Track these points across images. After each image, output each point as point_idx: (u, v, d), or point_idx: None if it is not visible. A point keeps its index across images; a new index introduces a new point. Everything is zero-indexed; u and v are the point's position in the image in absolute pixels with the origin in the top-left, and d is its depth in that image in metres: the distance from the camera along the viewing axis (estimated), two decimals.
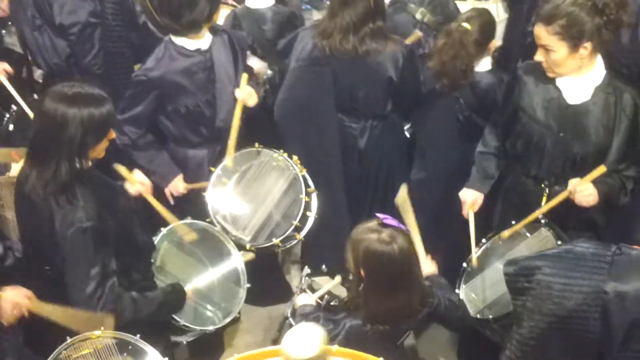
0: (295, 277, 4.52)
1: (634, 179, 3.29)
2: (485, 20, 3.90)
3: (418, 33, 4.13)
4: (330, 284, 3.25)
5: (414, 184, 4.10)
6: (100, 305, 2.78)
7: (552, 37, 3.09)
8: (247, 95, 3.79)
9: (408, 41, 3.97)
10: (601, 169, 3.13)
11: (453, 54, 3.75)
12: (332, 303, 3.14)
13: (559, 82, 3.25)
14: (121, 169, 3.28)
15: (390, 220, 2.72)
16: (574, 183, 3.17)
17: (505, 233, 3.35)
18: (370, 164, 4.08)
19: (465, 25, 3.78)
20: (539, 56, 3.18)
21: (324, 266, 3.46)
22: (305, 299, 3.12)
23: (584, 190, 3.16)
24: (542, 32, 3.12)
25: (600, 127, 3.21)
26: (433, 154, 4.05)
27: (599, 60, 3.20)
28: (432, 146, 4.06)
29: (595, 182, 3.17)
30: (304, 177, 3.73)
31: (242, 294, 3.51)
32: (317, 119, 4.01)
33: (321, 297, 3.19)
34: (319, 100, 3.99)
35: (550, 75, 3.23)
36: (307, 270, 3.45)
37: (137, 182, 3.32)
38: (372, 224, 2.72)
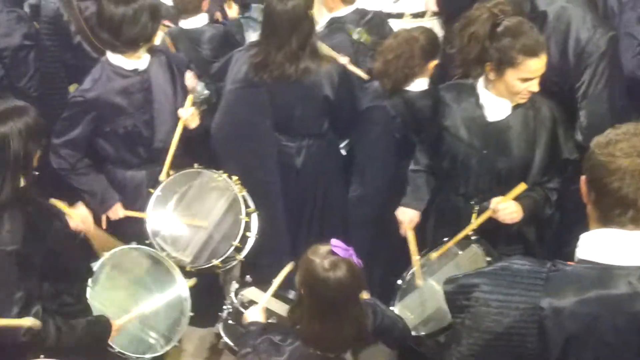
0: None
1: (557, 191, 3.40)
2: (432, 35, 4.00)
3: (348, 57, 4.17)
4: (281, 276, 3.23)
5: (352, 200, 4.17)
6: (22, 331, 2.74)
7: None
8: (190, 116, 3.78)
9: (343, 61, 4.02)
10: (521, 187, 3.22)
11: (398, 54, 3.82)
12: (269, 320, 3.13)
13: (481, 99, 3.35)
14: (59, 204, 3.23)
15: (339, 249, 2.72)
16: (496, 202, 3.27)
17: (436, 252, 3.42)
18: (308, 183, 4.11)
19: (415, 33, 3.87)
20: (537, 86, 3.25)
21: (247, 276, 3.47)
22: (254, 315, 3.10)
23: (506, 209, 3.25)
24: (543, 63, 3.21)
25: (521, 141, 3.32)
26: (371, 171, 4.11)
27: None
28: (371, 163, 4.11)
29: (519, 197, 3.26)
30: (243, 197, 3.74)
31: (185, 322, 3.50)
32: (255, 139, 4.03)
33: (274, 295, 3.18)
34: (255, 121, 4.00)
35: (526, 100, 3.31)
36: (235, 285, 3.45)
37: (76, 219, 3.28)
38: (325, 247, 2.73)
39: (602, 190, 2.00)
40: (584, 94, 3.40)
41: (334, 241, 2.73)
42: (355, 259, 2.72)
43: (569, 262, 2.06)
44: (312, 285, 2.71)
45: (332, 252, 2.69)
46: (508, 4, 3.34)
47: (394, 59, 3.82)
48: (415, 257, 3.51)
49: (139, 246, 3.53)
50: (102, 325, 3.18)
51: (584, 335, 1.97)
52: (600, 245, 2.01)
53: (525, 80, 3.21)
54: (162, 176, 3.75)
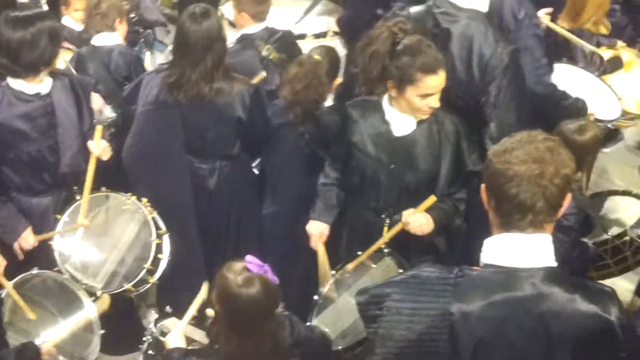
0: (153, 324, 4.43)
1: (464, 201, 3.50)
2: (334, 55, 4.08)
3: (263, 73, 4.21)
4: (197, 300, 3.21)
5: (266, 218, 4.18)
6: None
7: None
8: (102, 150, 3.70)
9: (254, 81, 4.04)
10: (431, 199, 3.31)
11: (306, 83, 3.87)
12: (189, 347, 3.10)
13: (387, 116, 3.42)
14: None
15: (254, 265, 2.71)
16: (406, 215, 3.34)
17: (350, 266, 3.47)
18: (222, 204, 4.09)
19: (317, 57, 3.92)
20: (437, 102, 3.33)
21: (168, 307, 3.43)
22: (175, 341, 3.05)
23: (416, 221, 3.33)
24: (442, 80, 3.29)
25: (427, 155, 3.41)
26: (283, 188, 4.13)
27: None
28: (282, 180, 4.13)
29: (429, 209, 3.34)
30: (154, 219, 3.69)
31: (97, 341, 3.43)
32: (166, 162, 3.99)
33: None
34: (167, 143, 3.97)
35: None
36: (154, 315, 3.41)
37: None
38: (239, 264, 2.72)
39: (501, 197, 2.08)
40: (492, 105, 3.54)
41: (248, 258, 2.73)
42: (270, 275, 2.72)
43: (474, 267, 2.13)
44: (227, 302, 2.70)
45: (247, 269, 2.69)
46: (408, 22, 3.45)
47: (303, 89, 3.89)
48: (324, 269, 3.54)
49: (42, 271, 3.45)
50: (30, 352, 3.11)
51: (492, 338, 2.04)
52: (503, 249, 2.09)
53: (425, 96, 3.30)
54: (80, 219, 3.65)
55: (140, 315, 4.47)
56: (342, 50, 5.04)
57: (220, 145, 4.00)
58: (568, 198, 2.11)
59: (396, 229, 3.37)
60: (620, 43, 4.92)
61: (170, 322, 3.32)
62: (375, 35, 3.39)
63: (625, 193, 4.14)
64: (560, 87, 4.07)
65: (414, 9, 3.72)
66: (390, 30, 3.37)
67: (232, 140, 4.00)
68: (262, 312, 2.70)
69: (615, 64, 4.72)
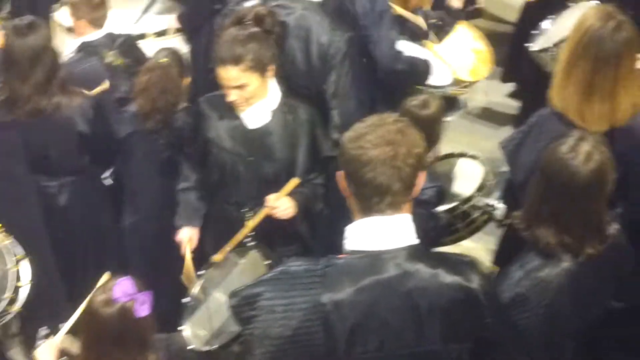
0: (18, 354, 4.24)
1: (323, 186, 3.56)
2: (179, 57, 4.01)
3: (106, 84, 4.09)
4: (73, 318, 3.09)
5: (127, 229, 4.08)
6: None
7: (245, 73, 3.25)
8: None
9: (94, 92, 3.92)
10: (294, 182, 3.35)
11: (161, 88, 3.80)
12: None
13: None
14: None
15: (122, 292, 2.58)
16: (271, 199, 3.36)
17: (216, 256, 3.45)
18: (76, 221, 3.98)
19: (164, 59, 3.84)
20: (233, 96, 3.29)
21: (44, 329, 3.29)
22: (44, 354, 2.92)
23: (280, 205, 3.35)
24: (233, 73, 3.24)
25: (283, 145, 3.44)
26: (142, 197, 4.05)
27: (273, 83, 3.41)
28: (140, 189, 4.05)
29: (291, 194, 3.37)
30: (7, 246, 3.51)
31: None
32: (11, 185, 3.81)
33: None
34: (10, 165, 3.79)
35: (245, 107, 3.37)
36: (44, 331, 3.27)
37: None
38: (110, 283, 2.62)
39: (359, 182, 2.12)
40: (333, 94, 3.59)
41: (123, 280, 2.61)
42: (138, 306, 2.59)
43: (340, 255, 2.17)
44: (85, 318, 2.63)
45: (115, 298, 2.58)
46: (269, 11, 3.44)
47: (159, 95, 3.81)
48: (189, 271, 3.49)
49: None
50: None
51: (365, 322, 2.09)
52: (366, 234, 2.13)
53: (223, 87, 3.30)
54: None
55: (5, 348, 4.27)
56: (184, 48, 4.97)
57: (66, 161, 3.88)
58: (422, 176, 2.18)
59: (260, 215, 3.39)
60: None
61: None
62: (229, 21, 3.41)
63: (472, 157, 4.32)
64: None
65: (249, 4, 3.71)
66: (237, 17, 3.36)
67: (78, 154, 3.90)
68: (118, 339, 2.57)
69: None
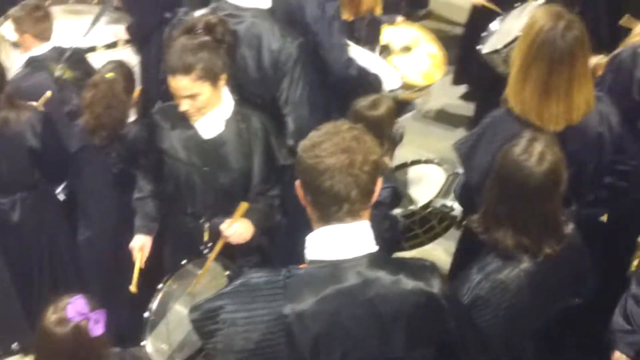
0: None
1: (279, 197, 3.53)
2: (127, 70, 3.95)
3: (48, 94, 4.02)
4: None
5: (82, 244, 4.02)
6: None
7: (196, 83, 3.20)
8: None
9: (39, 106, 3.86)
10: (244, 206, 3.29)
11: (106, 104, 3.75)
12: None
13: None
14: None
15: (75, 312, 2.54)
16: (224, 227, 3.30)
17: (190, 289, 3.39)
18: (30, 237, 3.91)
19: (110, 75, 3.79)
20: (185, 106, 3.25)
21: (15, 344, 3.23)
22: None
23: (235, 232, 3.31)
24: (184, 83, 3.19)
25: (238, 154, 3.40)
26: (96, 211, 3.99)
27: (226, 92, 3.38)
28: (94, 203, 3.99)
29: (246, 215, 3.33)
30: None
31: None
32: None
33: None
34: None
35: (198, 117, 3.33)
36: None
37: None
38: (63, 301, 2.57)
39: (316, 191, 2.11)
40: (286, 100, 3.58)
41: (76, 299, 2.57)
42: (92, 325, 2.54)
43: (301, 265, 2.15)
44: (42, 341, 2.56)
45: (68, 318, 2.54)
46: (219, 19, 3.42)
47: (104, 111, 3.75)
48: (136, 277, 3.46)
49: None
50: None
51: (329, 332, 2.07)
52: (326, 243, 2.12)
53: (175, 97, 3.27)
54: None
55: None
56: (134, 59, 4.92)
57: (17, 177, 3.82)
58: (379, 183, 2.18)
59: (219, 245, 3.34)
60: (399, 18, 5.16)
61: None
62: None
63: (428, 161, 4.36)
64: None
65: (198, 13, 3.68)
66: (188, 26, 3.33)
67: (29, 170, 3.84)
68: (72, 358, 2.54)
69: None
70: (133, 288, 3.46)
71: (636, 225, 3.37)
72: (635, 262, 3.33)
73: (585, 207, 3.31)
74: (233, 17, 3.56)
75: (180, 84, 3.21)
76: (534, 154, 2.58)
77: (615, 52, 3.50)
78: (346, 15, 4.69)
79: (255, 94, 3.55)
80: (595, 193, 3.31)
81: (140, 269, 3.53)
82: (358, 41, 4.45)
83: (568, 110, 3.01)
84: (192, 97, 3.24)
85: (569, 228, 2.73)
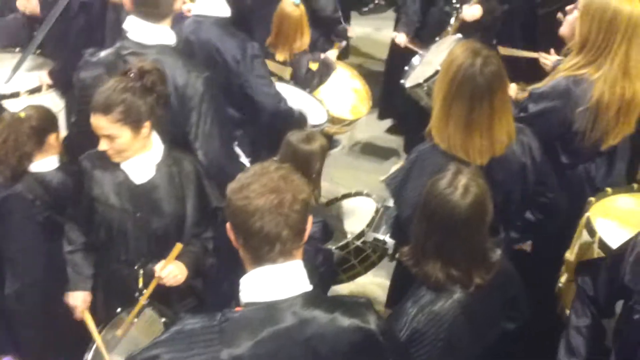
0: None
1: (212, 239, 3.52)
2: (43, 112, 3.85)
3: None
4: None
5: (9, 298, 3.87)
6: None
7: (114, 125, 3.18)
8: None
9: None
10: (178, 248, 3.26)
11: (4, 137, 3.64)
12: None
13: (123, 165, 3.34)
14: None
15: None
16: (158, 269, 3.28)
17: (119, 332, 3.34)
18: None
19: (22, 114, 3.72)
20: (104, 145, 3.23)
21: None
22: None
23: (169, 273, 3.28)
24: (102, 122, 3.18)
25: (171, 198, 3.38)
26: (23, 262, 3.83)
27: (155, 136, 3.37)
28: (20, 254, 3.83)
29: (179, 256, 3.30)
30: None
31: None
32: None
33: None
34: None
35: (117, 160, 3.31)
36: None
37: None
38: None
39: (248, 233, 2.11)
40: (196, 135, 3.58)
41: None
42: None
43: (236, 308, 2.14)
44: None
45: None
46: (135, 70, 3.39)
47: (10, 150, 3.66)
48: (95, 335, 3.38)
49: None
50: None
51: None
52: (260, 284, 2.12)
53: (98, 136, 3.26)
54: None
55: None
56: (59, 103, 4.85)
57: None
58: (310, 221, 2.19)
59: (152, 286, 3.30)
60: (322, 55, 5.25)
61: None
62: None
63: (357, 194, 4.41)
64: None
65: (104, 53, 3.67)
66: (124, 69, 3.32)
67: None
68: None
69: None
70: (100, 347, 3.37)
71: (561, 245, 3.47)
72: (562, 278, 3.43)
73: (512, 234, 3.39)
74: (137, 55, 3.55)
75: (98, 122, 3.19)
76: (459, 187, 2.64)
77: (551, 81, 3.56)
78: (283, 56, 4.80)
79: (165, 131, 3.53)
80: (521, 221, 3.40)
81: (82, 321, 3.46)
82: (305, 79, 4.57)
83: (491, 143, 3.10)
84: (110, 138, 3.21)
85: (497, 255, 2.78)
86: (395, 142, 6.24)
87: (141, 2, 3.57)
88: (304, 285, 2.14)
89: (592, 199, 3.43)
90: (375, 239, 3.93)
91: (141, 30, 3.60)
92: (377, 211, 4.10)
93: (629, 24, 3.34)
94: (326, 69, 5.08)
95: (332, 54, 5.31)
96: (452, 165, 2.79)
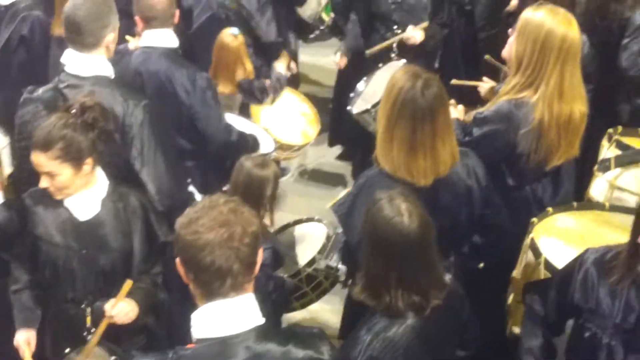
0: None
1: (162, 274, 3.47)
2: None
3: None
4: None
5: None
6: None
7: (54, 162, 3.12)
8: None
9: None
10: (128, 284, 3.18)
11: None
12: None
13: (66, 202, 3.28)
14: None
15: None
16: (108, 307, 3.19)
17: None
18: None
19: None
20: (44, 183, 3.17)
21: None
22: None
23: (120, 311, 3.20)
24: (41, 159, 3.12)
25: (117, 234, 3.32)
26: None
27: (100, 172, 3.31)
28: None
29: (129, 294, 3.19)
30: None
31: None
32: None
33: None
34: None
35: (59, 197, 3.25)
36: None
37: None
38: None
39: (198, 268, 2.09)
40: (142, 163, 3.57)
41: None
42: None
43: (189, 345, 2.11)
44: None
45: None
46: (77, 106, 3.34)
47: None
48: None
49: None
50: None
51: None
52: (212, 320, 2.10)
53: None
54: None
55: None
56: (3, 140, 4.77)
57: None
58: (261, 254, 2.18)
59: (103, 325, 3.23)
60: (267, 82, 5.26)
61: None
62: None
63: (309, 220, 4.41)
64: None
65: (43, 89, 3.64)
66: (66, 105, 3.26)
67: None
68: None
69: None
70: None
71: (510, 266, 3.52)
72: (510, 297, 3.47)
73: (462, 257, 3.42)
74: (74, 88, 3.52)
75: (38, 159, 3.13)
76: (403, 212, 2.65)
77: (493, 105, 3.62)
78: (228, 89, 4.81)
79: (111, 165, 3.48)
80: (469, 244, 3.43)
81: None
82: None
83: (435, 164, 3.14)
84: (50, 175, 3.16)
85: (447, 277, 2.80)
86: (345, 168, 6.26)
87: (66, 28, 3.58)
88: (257, 318, 2.12)
89: (534, 219, 3.49)
90: (327, 266, 3.93)
91: (76, 62, 3.59)
92: (328, 237, 4.09)
93: (563, 46, 3.42)
94: (279, 83, 5.11)
95: (280, 67, 5.33)
96: (382, 193, 2.78)
